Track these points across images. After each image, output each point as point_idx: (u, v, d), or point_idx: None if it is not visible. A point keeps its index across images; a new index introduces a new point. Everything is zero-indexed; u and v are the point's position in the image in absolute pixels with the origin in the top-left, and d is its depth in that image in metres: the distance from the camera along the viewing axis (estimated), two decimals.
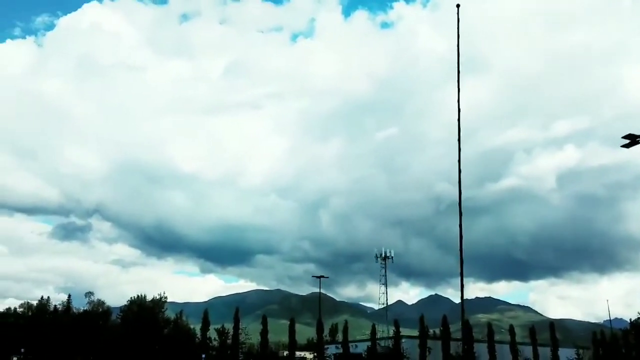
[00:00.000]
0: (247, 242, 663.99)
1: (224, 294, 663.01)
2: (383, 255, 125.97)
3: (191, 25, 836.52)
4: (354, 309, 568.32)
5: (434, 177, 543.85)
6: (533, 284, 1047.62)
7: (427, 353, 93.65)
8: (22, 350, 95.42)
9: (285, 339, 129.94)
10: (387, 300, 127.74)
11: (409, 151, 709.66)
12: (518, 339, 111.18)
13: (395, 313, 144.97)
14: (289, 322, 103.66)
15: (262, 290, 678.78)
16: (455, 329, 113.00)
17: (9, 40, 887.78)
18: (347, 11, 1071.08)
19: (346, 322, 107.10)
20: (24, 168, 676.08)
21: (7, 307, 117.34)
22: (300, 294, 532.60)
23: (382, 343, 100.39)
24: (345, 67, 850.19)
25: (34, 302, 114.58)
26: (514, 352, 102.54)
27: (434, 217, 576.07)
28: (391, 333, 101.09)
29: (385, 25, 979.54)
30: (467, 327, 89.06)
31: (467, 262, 22.60)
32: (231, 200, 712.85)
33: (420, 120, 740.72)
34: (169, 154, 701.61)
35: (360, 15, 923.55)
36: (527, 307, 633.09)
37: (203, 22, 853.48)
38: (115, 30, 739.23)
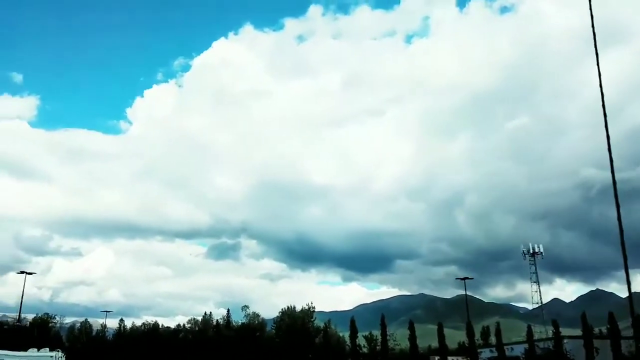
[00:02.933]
0: (385, 248, 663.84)
1: (367, 301, 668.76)
2: (531, 251, 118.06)
3: (307, 45, 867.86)
4: (505, 309, 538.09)
5: (578, 162, 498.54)
6: None
7: (595, 354, 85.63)
8: None
9: (433, 343, 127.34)
10: (540, 298, 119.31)
11: (545, 138, 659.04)
12: None
13: (552, 312, 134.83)
14: (436, 327, 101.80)
15: (405, 295, 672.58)
16: (623, 326, 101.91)
17: (154, 86, 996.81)
18: (462, 3, 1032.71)
19: (498, 324, 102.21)
20: (177, 197, 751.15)
21: (177, 323, 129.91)
22: (445, 297, 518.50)
23: (541, 345, 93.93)
24: (466, 60, 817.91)
25: (199, 318, 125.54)
26: None
27: (583, 205, 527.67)
28: (549, 334, 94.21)
29: (504, 9, 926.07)
30: (638, 324, 79.93)
31: (631, 252, 20.51)
32: (364, 207, 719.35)
33: (555, 103, 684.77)
34: (303, 169, 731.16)
35: (476, 5, 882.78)
36: None
37: (318, 40, 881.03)
38: (241, 60, 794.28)
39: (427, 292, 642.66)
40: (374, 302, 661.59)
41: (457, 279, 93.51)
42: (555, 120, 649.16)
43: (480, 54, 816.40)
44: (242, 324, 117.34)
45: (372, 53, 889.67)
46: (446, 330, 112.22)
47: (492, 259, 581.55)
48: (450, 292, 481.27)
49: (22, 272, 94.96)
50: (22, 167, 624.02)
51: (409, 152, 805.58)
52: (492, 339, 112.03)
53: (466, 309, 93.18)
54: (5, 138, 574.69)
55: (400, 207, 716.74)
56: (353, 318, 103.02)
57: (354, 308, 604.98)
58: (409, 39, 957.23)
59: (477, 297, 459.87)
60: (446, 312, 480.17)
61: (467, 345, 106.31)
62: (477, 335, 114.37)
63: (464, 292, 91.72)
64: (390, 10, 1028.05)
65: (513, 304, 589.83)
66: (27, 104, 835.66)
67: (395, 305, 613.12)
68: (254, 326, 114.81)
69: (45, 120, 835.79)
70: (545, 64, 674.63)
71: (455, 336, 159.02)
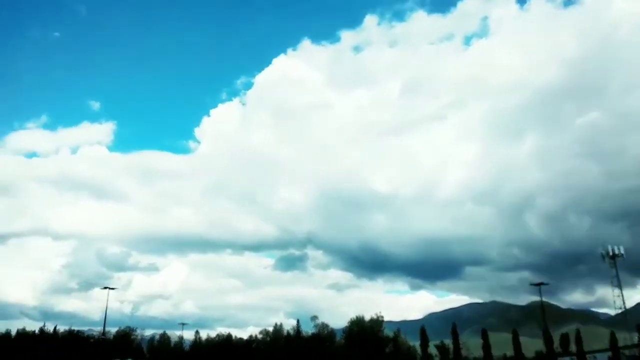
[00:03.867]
0: (453, 254, 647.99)
1: (437, 310, 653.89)
2: (610, 253, 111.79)
3: (364, 55, 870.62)
4: (585, 316, 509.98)
5: None
6: None
7: None
8: None
9: (508, 352, 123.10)
10: (623, 303, 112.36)
11: (621, 133, 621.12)
12: None
13: (637, 318, 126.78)
14: (510, 335, 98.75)
15: (477, 303, 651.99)
16: None
17: (220, 105, 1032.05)
18: (522, 0, 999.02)
19: (578, 331, 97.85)
20: (245, 211, 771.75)
21: (249, 334, 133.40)
22: (519, 304, 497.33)
23: (627, 352, 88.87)
24: (529, 57, 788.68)
25: (270, 329, 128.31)
26: None
27: None
28: (634, 340, 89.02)
29: (568, 2, 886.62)
30: None
31: None
32: (430, 214, 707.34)
33: (627, 97, 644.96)
34: (366, 178, 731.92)
35: (538, 0, 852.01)
36: None
37: (374, 50, 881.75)
38: (300, 75, 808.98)
39: (499, 299, 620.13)
40: (444, 310, 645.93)
41: (531, 284, 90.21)
42: (629, 115, 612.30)
43: (544, 50, 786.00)
44: (312, 334, 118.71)
45: (430, 58, 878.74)
46: (522, 339, 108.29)
47: (568, 263, 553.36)
48: (524, 299, 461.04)
49: (105, 288, 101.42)
50: (102, 189, 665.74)
51: (474, 155, 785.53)
52: (573, 347, 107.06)
53: (542, 316, 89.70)
54: (87, 162, 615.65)
55: (468, 212, 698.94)
56: (423, 327, 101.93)
57: (423, 317, 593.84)
58: (467, 40, 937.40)
59: (554, 303, 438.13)
60: (521, 320, 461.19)
61: (545, 353, 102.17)
62: (556, 343, 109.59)
63: (538, 299, 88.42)
64: (447, 14, 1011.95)
65: (593, 309, 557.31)
66: (105, 130, 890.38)
67: (466, 314, 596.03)
68: (323, 336, 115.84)
69: (121, 144, 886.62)
70: (615, 56, 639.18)
71: (531, 345, 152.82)
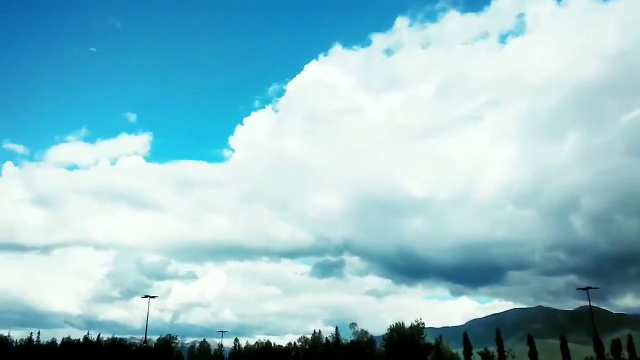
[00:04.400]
0: (494, 258, 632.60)
1: (480, 316, 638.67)
2: None
3: (396, 57, 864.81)
4: (637, 321, 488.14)
5: None
6: None
7: None
8: None
9: (556, 359, 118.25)
10: None
11: None
12: None
13: None
14: (558, 341, 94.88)
15: (521, 308, 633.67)
16: None
17: (253, 113, 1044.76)
18: None
19: (630, 337, 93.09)
20: (280, 218, 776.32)
21: (288, 342, 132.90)
22: (566, 309, 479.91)
23: None
24: (568, 54, 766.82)
25: (309, 336, 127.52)
26: None
27: None
28: None
29: None
30: None
31: None
32: (468, 217, 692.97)
33: None
34: (400, 183, 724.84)
35: None
36: None
37: (406, 52, 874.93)
38: (332, 80, 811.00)
39: (545, 304, 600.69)
40: (487, 316, 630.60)
41: (578, 289, 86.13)
42: None
43: (584, 46, 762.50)
44: (351, 341, 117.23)
45: (464, 58, 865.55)
46: (570, 345, 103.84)
47: (617, 266, 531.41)
48: (572, 304, 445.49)
49: (146, 296, 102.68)
50: (140, 199, 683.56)
51: (513, 156, 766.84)
52: (625, 354, 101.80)
53: (592, 321, 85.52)
54: (126, 173, 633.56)
55: (508, 215, 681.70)
56: (466, 333, 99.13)
57: (465, 323, 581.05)
58: (503, 39, 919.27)
59: (604, 308, 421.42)
60: (568, 325, 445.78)
61: None
62: (607, 350, 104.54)
63: (586, 303, 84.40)
64: (481, 13, 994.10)
65: None
66: (142, 141, 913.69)
67: (510, 319, 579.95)
68: (363, 343, 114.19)
69: (158, 154, 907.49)
70: None
71: (581, 351, 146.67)
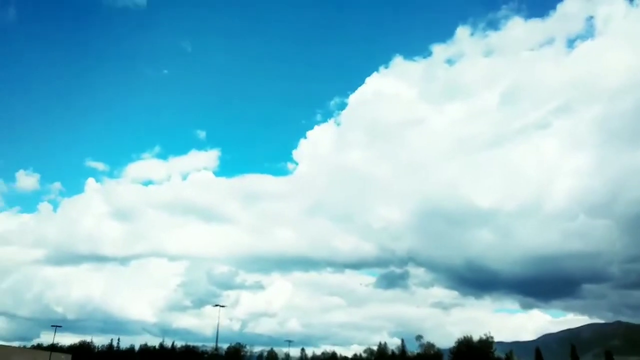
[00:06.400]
0: (567, 271, 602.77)
1: (553, 330, 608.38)
2: None
3: (458, 67, 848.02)
4: None
5: None
6: None
7: None
8: None
9: None
10: None
11: None
12: None
13: None
14: (639, 359, 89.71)
15: (598, 323, 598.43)
16: None
17: (315, 126, 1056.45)
18: None
19: None
20: (344, 230, 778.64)
21: (354, 353, 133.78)
22: None
23: None
24: None
25: (374, 348, 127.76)
26: None
27: None
28: None
29: None
30: None
31: None
32: (537, 228, 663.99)
33: None
34: (465, 194, 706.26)
35: None
36: None
37: (468, 61, 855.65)
38: (393, 92, 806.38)
39: (624, 319, 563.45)
40: (560, 331, 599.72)
41: None
42: None
43: None
44: (417, 353, 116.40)
45: (530, 64, 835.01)
46: None
47: None
48: None
49: (216, 306, 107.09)
50: (209, 212, 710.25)
51: (585, 164, 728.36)
52: None
53: None
54: (196, 188, 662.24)
55: (581, 226, 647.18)
56: (538, 348, 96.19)
57: (537, 338, 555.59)
58: (570, 43, 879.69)
59: None
60: None
61: None
62: None
63: None
64: (547, 18, 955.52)
65: None
66: (211, 157, 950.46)
67: (586, 335, 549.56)
68: (429, 356, 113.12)
69: (226, 169, 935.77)
70: None
71: None
